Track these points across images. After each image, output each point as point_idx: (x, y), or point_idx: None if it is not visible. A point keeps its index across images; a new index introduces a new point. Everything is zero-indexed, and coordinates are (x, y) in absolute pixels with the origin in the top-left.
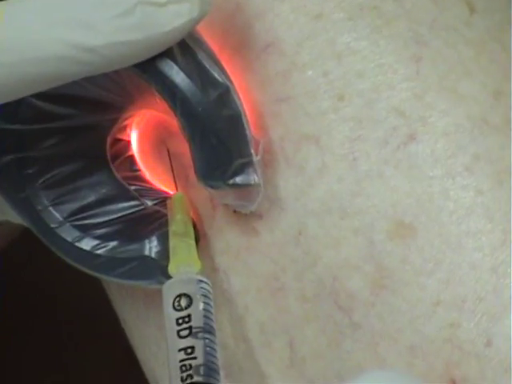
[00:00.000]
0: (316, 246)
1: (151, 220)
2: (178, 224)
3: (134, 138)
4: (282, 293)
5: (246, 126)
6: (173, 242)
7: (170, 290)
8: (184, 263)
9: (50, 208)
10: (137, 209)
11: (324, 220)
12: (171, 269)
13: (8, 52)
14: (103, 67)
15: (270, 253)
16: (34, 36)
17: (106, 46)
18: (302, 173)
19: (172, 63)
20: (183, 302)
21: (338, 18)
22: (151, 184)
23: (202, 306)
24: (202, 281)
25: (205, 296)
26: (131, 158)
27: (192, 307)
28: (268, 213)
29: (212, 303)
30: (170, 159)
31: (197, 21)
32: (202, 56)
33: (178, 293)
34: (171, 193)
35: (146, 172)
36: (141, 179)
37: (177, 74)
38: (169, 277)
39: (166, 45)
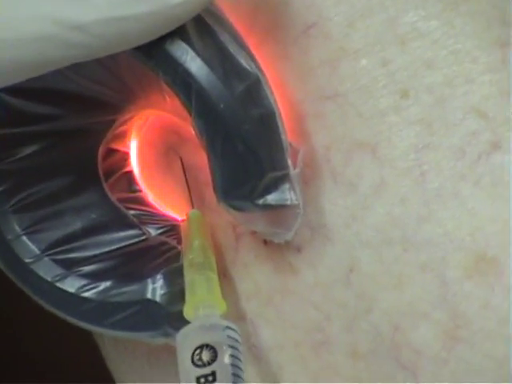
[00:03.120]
0: (371, 287)
1: (155, 254)
2: (195, 251)
3: (133, 148)
4: (326, 348)
5: (280, 128)
6: (189, 275)
7: (187, 340)
8: (204, 303)
9: (24, 237)
10: (136, 240)
11: (382, 253)
12: (188, 311)
13: None
14: (96, 50)
15: (312, 296)
16: (7, 11)
17: (100, 23)
18: (354, 192)
19: (186, 46)
20: (205, 356)
21: None
22: (155, 208)
23: (229, 360)
24: (228, 327)
25: (233, 347)
26: (129, 175)
27: (217, 362)
28: (309, 244)
29: (242, 357)
30: (183, 168)
31: None
32: (224, 38)
33: (198, 343)
34: (181, 219)
35: (149, 193)
36: (142, 202)
37: (192, 61)
38: (178, 327)
39: (177, 21)
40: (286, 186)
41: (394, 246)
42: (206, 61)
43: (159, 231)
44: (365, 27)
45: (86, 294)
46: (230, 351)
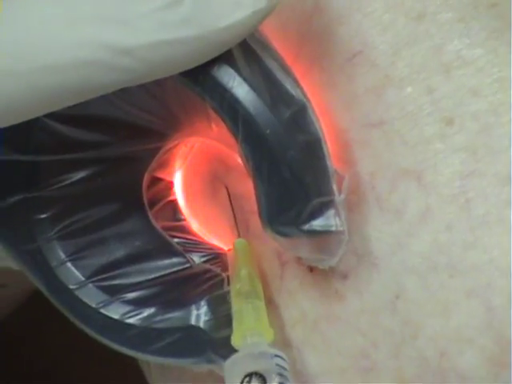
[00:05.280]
0: (418, 314)
1: (199, 281)
2: (243, 280)
3: (178, 177)
4: (373, 374)
5: (326, 155)
6: (237, 304)
7: (236, 368)
8: (252, 332)
9: (69, 264)
10: (180, 267)
11: (428, 279)
12: (236, 340)
13: (18, 57)
14: (143, 75)
15: (358, 323)
16: (53, 36)
17: (147, 47)
18: (400, 219)
19: (233, 72)
20: None
21: (446, 18)
22: (199, 237)
23: None
24: (277, 355)
25: (281, 375)
26: (174, 204)
27: None
28: (355, 271)
29: None
30: (229, 197)
31: (263, 14)
32: (271, 64)
33: (247, 371)
34: (225, 248)
35: (193, 221)
36: (186, 230)
37: (239, 86)
38: (222, 353)
39: (223, 45)
40: (332, 212)
41: (440, 273)
42: (253, 87)
43: (203, 259)
44: (410, 55)
45: (131, 321)
46: (278, 379)
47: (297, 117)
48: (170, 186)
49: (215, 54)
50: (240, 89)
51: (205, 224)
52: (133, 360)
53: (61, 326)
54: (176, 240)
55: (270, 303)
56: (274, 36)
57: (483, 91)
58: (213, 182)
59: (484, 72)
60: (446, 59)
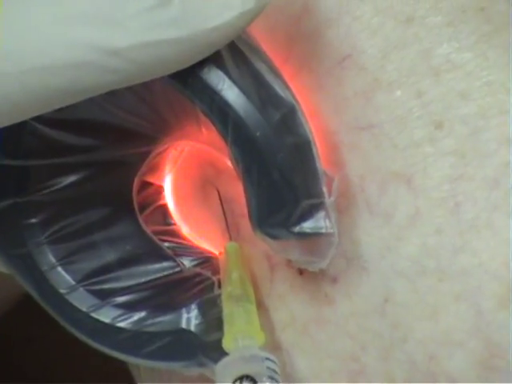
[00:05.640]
0: (407, 317)
1: (190, 285)
2: (234, 283)
3: (168, 182)
4: (362, 377)
5: (315, 157)
6: (228, 307)
7: (227, 371)
8: (244, 335)
9: (59, 268)
10: (171, 271)
11: (417, 283)
12: (227, 342)
13: (9, 59)
14: (132, 76)
15: (347, 326)
16: (43, 37)
17: (136, 48)
18: (389, 222)
19: (223, 74)
20: None
21: (435, 22)
22: (189, 241)
23: None
24: (268, 358)
25: (272, 378)
26: (164, 208)
27: None
28: (345, 274)
29: None
30: (220, 200)
31: (252, 15)
32: (260, 67)
33: (238, 374)
34: (215, 252)
35: (183, 225)
36: (176, 234)
37: (229, 89)
38: (213, 357)
39: (212, 46)
40: (321, 214)
41: (429, 277)
42: (243, 89)
43: (193, 263)
44: (399, 59)
45: (121, 324)
46: (269, 382)
47: (286, 119)
48: (160, 190)
49: (204, 55)
50: (230, 91)
51: (195, 228)
52: (123, 364)
53: (51, 330)
54: (166, 244)
55: (260, 306)
56: (263, 38)
57: (472, 95)
58: (203, 185)
59: (473, 76)
60: (435, 63)
